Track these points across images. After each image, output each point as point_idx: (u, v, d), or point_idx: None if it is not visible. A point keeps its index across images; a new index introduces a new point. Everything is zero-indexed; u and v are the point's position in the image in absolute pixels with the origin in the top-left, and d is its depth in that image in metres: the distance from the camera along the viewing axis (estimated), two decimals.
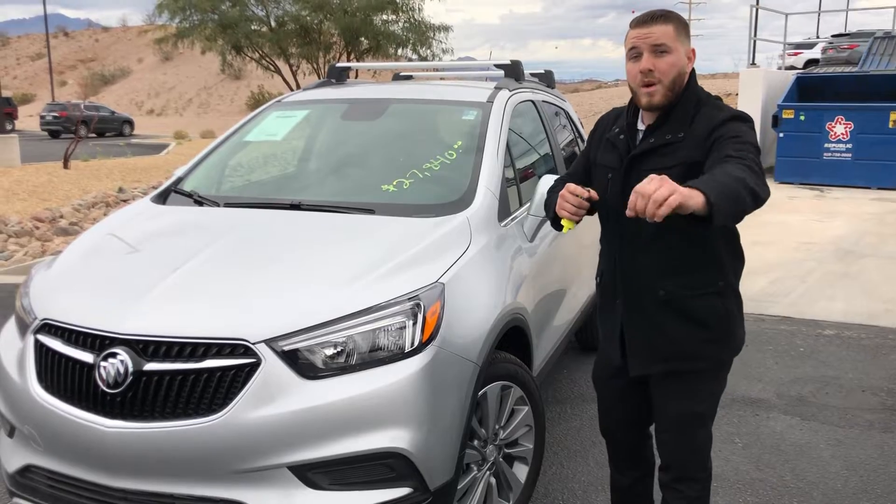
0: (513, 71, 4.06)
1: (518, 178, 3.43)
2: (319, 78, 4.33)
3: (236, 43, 24.09)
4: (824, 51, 20.37)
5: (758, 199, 1.84)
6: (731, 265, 2.21)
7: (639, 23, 2.08)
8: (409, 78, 5.02)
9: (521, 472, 2.86)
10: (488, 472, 2.71)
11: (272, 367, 2.20)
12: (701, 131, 2.06)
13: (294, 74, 25.23)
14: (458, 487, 2.49)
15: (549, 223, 3.12)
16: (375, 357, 2.29)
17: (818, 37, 22.13)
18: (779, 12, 17.16)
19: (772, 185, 12.58)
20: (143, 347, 2.24)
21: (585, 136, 4.88)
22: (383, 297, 2.36)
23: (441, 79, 5.37)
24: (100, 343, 2.28)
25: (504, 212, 3.08)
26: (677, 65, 2.07)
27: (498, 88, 3.68)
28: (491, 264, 2.82)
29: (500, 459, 2.77)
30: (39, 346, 2.42)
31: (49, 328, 2.43)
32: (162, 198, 3.38)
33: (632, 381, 2.34)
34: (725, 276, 2.19)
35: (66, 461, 2.33)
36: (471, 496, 2.62)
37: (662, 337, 2.19)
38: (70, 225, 9.17)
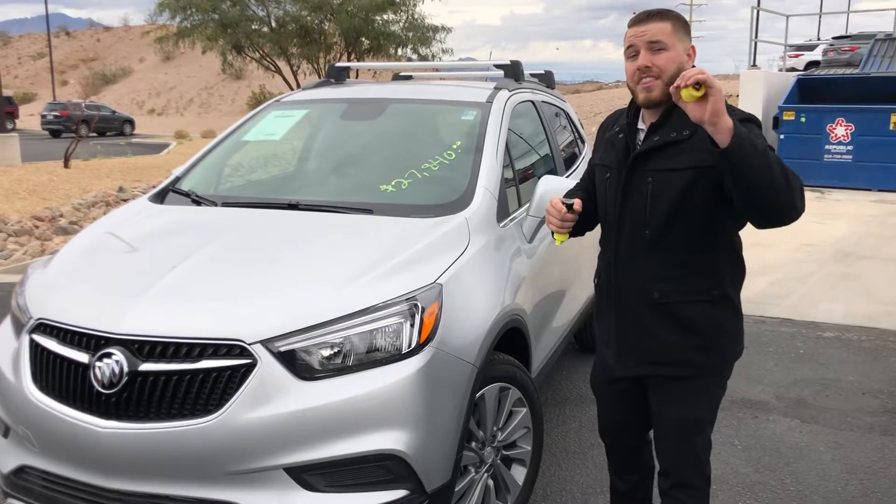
0: (512, 71, 4.05)
1: (517, 179, 3.42)
2: (320, 78, 4.31)
3: (237, 43, 24.12)
4: (825, 53, 20.35)
5: (790, 183, 1.83)
6: (729, 276, 2.17)
7: (635, 21, 2.07)
8: (408, 78, 5.01)
9: (519, 474, 2.84)
10: (486, 475, 2.69)
11: (268, 367, 2.19)
12: None
13: (295, 74, 25.24)
14: (456, 489, 2.47)
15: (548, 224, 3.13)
16: (372, 358, 2.28)
17: (819, 39, 22.14)
18: (780, 14, 17.16)
19: None
20: (139, 347, 2.22)
21: (585, 137, 4.89)
22: (381, 298, 2.35)
23: (441, 79, 5.35)
24: (95, 343, 2.27)
25: (503, 212, 3.07)
26: (676, 60, 2.03)
27: (497, 89, 3.67)
28: (489, 265, 2.81)
29: (498, 461, 2.76)
30: (34, 346, 2.41)
31: (44, 328, 2.42)
32: (160, 197, 3.37)
33: (630, 385, 2.31)
34: (721, 285, 2.14)
35: (60, 462, 2.32)
36: (468, 498, 2.61)
37: (652, 340, 2.16)
38: (70, 224, 9.16)
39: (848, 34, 22.28)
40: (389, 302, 2.34)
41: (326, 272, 2.49)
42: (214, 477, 2.19)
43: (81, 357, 2.28)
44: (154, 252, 2.77)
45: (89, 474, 2.26)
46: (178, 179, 3.48)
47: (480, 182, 3.04)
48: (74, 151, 16.10)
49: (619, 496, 2.56)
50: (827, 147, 12.57)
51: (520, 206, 3.29)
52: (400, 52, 24.91)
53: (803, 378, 4.51)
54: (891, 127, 12.09)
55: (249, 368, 2.18)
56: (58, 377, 2.33)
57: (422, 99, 3.87)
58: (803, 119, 12.67)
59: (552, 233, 2.29)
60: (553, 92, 4.62)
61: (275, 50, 24.75)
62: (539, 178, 3.17)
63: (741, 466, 3.43)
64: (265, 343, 2.20)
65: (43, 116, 34.65)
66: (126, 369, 2.20)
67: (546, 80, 4.64)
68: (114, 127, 36.26)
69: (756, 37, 16.42)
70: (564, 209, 2.19)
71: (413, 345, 2.30)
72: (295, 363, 2.22)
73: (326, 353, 2.25)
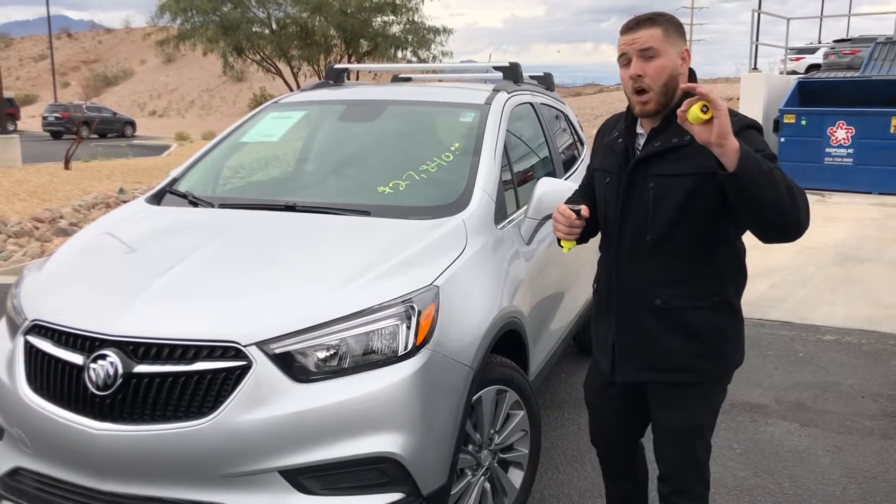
0: (511, 73, 4.04)
1: (515, 181, 3.41)
2: (320, 80, 4.31)
3: (237, 45, 24.12)
4: (826, 56, 20.38)
5: (796, 201, 1.81)
6: (732, 282, 2.15)
7: (626, 28, 2.06)
8: (407, 80, 5.00)
9: (516, 477, 2.83)
10: (483, 478, 2.68)
11: (263, 369, 2.18)
12: None
13: (295, 76, 25.24)
14: (452, 493, 2.46)
15: (546, 225, 3.12)
16: (369, 360, 2.27)
17: (820, 42, 22.15)
18: (780, 17, 17.14)
19: None
20: (134, 349, 2.21)
21: (585, 139, 4.88)
22: (377, 300, 2.34)
23: (440, 81, 5.35)
24: (90, 344, 2.26)
25: (501, 214, 3.06)
26: (667, 67, 2.02)
27: (496, 91, 3.66)
28: (487, 267, 2.80)
29: (495, 464, 2.74)
30: (29, 348, 2.40)
31: (39, 329, 2.41)
32: (157, 198, 3.36)
33: (624, 392, 2.29)
34: (724, 291, 2.12)
35: (54, 464, 2.31)
36: (465, 502, 2.60)
37: (653, 346, 2.13)
38: (70, 225, 9.15)
39: (849, 37, 22.30)
40: (386, 304, 2.33)
41: (323, 274, 2.48)
42: (209, 479, 2.18)
43: (76, 358, 2.27)
44: (150, 253, 2.76)
45: (83, 476, 2.25)
46: (175, 181, 3.47)
47: (478, 184, 3.03)
48: (75, 153, 16.12)
49: (615, 502, 2.54)
50: (827, 150, 12.56)
51: (518, 208, 3.28)
52: (400, 54, 24.90)
53: (803, 381, 4.50)
54: (891, 130, 12.08)
55: (244, 370, 2.17)
56: (52, 379, 2.32)
57: (420, 101, 3.86)
58: (804, 122, 12.66)
59: (559, 241, 2.24)
60: (552, 94, 4.61)
61: (275, 52, 24.75)
62: (538, 180, 3.16)
63: (740, 470, 3.41)
64: (260, 345, 2.19)
65: (44, 118, 34.70)
66: (121, 371, 2.19)
67: (545, 82, 4.63)
68: (115, 128, 36.30)
69: (757, 40, 16.41)
70: (573, 216, 2.15)
71: (409, 347, 2.29)
72: (290, 365, 2.21)
73: (322, 355, 2.24)
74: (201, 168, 3.58)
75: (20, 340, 2.44)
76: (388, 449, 2.21)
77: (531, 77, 4.53)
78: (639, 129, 2.17)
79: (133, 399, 2.19)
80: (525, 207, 3.17)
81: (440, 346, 2.35)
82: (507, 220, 3.11)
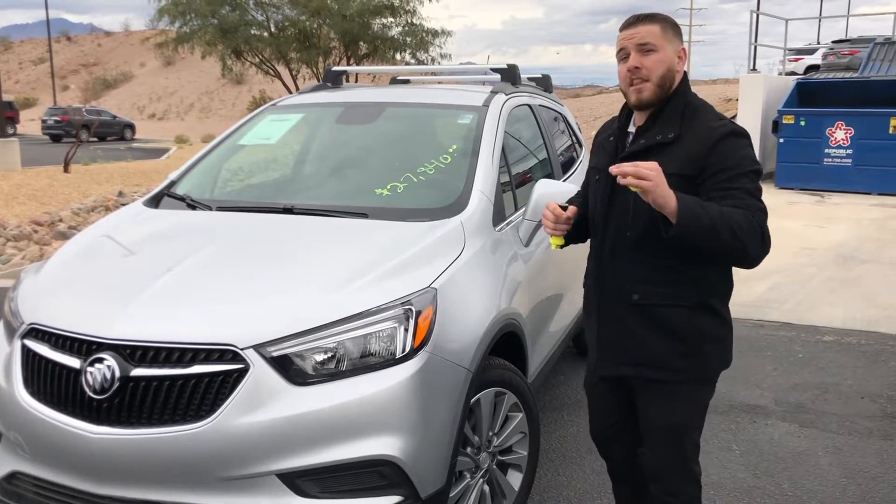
0: (509, 75, 4.03)
1: (514, 183, 3.41)
2: (319, 82, 4.31)
3: (236, 47, 24.11)
4: (825, 56, 20.41)
5: (742, 241, 1.91)
6: (716, 285, 2.18)
7: (626, 25, 2.14)
8: (406, 82, 5.00)
9: (515, 479, 2.82)
10: (481, 480, 2.67)
11: (261, 372, 2.18)
12: (697, 140, 2.04)
13: (294, 79, 25.24)
14: (451, 495, 2.46)
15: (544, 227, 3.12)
16: (366, 363, 2.26)
17: (819, 42, 22.16)
18: (779, 18, 17.16)
19: (772, 190, 12.59)
20: (131, 352, 2.21)
21: (583, 141, 4.87)
22: (375, 302, 2.33)
23: (438, 83, 5.35)
24: (87, 348, 2.26)
25: (499, 216, 3.06)
26: (665, 61, 2.08)
27: (494, 92, 3.66)
28: (485, 269, 2.79)
29: (494, 467, 2.74)
30: (26, 352, 2.40)
31: (36, 333, 2.40)
32: (155, 201, 3.36)
33: (614, 387, 2.33)
34: (704, 293, 2.14)
35: (52, 468, 2.30)
36: None
37: (632, 341, 2.18)
38: (69, 229, 9.15)
39: (847, 38, 22.32)
40: (384, 306, 2.32)
41: (320, 276, 2.47)
42: (207, 483, 2.18)
43: (73, 362, 2.26)
44: (147, 256, 2.75)
45: (81, 480, 2.24)
46: (173, 183, 3.47)
47: (476, 186, 3.02)
48: (74, 156, 16.11)
49: (624, 501, 2.57)
50: (826, 151, 12.56)
51: (516, 210, 3.28)
52: (398, 56, 24.89)
53: (802, 382, 4.49)
54: (890, 130, 12.08)
55: (242, 373, 2.17)
56: (49, 382, 2.31)
57: (418, 103, 3.86)
58: (803, 123, 12.66)
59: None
60: (551, 96, 4.61)
61: (274, 54, 24.75)
62: (536, 182, 3.16)
63: (739, 471, 3.41)
64: (258, 348, 2.19)
65: (43, 121, 34.71)
66: (118, 374, 2.18)
67: (543, 83, 4.63)
68: (114, 131, 36.30)
69: (756, 41, 16.43)
70: (561, 212, 2.23)
71: (407, 349, 2.29)
72: (288, 368, 2.21)
73: (320, 357, 2.24)
74: (199, 171, 3.57)
75: (17, 344, 2.43)
76: (386, 452, 2.21)
77: (529, 79, 4.53)
78: (630, 128, 2.23)
79: (130, 403, 2.18)
80: (523, 209, 3.17)
81: (438, 349, 2.34)
82: (506, 222, 3.10)
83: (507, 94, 3.69)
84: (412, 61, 24.99)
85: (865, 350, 5.06)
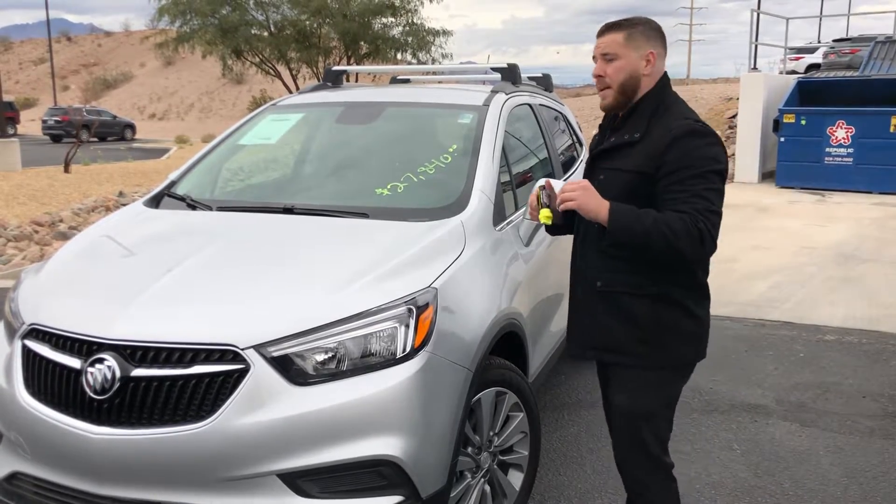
0: (510, 74, 4.03)
1: (514, 182, 3.40)
2: (319, 82, 4.31)
3: (236, 47, 24.09)
4: (825, 55, 20.38)
5: (673, 245, 2.03)
6: (680, 278, 2.23)
7: (597, 34, 2.28)
8: (406, 82, 4.99)
9: (515, 479, 2.82)
10: (482, 480, 2.67)
11: (261, 373, 2.17)
12: (655, 139, 2.16)
13: (294, 79, 25.23)
14: (452, 495, 2.46)
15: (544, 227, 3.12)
16: (367, 363, 2.26)
17: (819, 41, 22.14)
18: (780, 17, 17.15)
19: (773, 189, 12.58)
20: (131, 353, 2.21)
21: (584, 140, 4.87)
22: (375, 302, 2.33)
23: (438, 83, 5.34)
24: (87, 348, 2.26)
25: (499, 216, 3.05)
26: (625, 69, 2.21)
27: (494, 92, 3.65)
28: (485, 269, 2.79)
29: (495, 466, 2.74)
30: (27, 352, 2.40)
31: (37, 333, 2.40)
32: (155, 202, 3.35)
33: (602, 378, 2.47)
34: (665, 284, 2.22)
35: (52, 468, 2.30)
36: None
37: (595, 325, 2.30)
38: (69, 229, 9.14)
39: (848, 37, 22.29)
40: (384, 306, 2.32)
41: (321, 276, 2.47)
42: (207, 483, 2.18)
43: (73, 362, 2.26)
44: (147, 257, 2.75)
45: (81, 481, 2.24)
46: (173, 184, 3.47)
47: (476, 185, 3.02)
48: (75, 156, 16.10)
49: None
50: (827, 150, 12.56)
51: (517, 209, 3.27)
52: (399, 56, 24.88)
53: (803, 381, 4.49)
54: (891, 129, 12.08)
55: (242, 374, 2.17)
56: (50, 383, 2.31)
57: (418, 102, 3.85)
58: (804, 122, 12.65)
59: (549, 229, 2.41)
60: (551, 95, 4.60)
61: (274, 54, 24.74)
62: (536, 181, 3.15)
63: (740, 471, 3.40)
64: (258, 348, 2.19)
65: (44, 121, 34.71)
66: (118, 375, 2.18)
67: (544, 83, 4.63)
68: (115, 132, 36.29)
69: (756, 40, 16.42)
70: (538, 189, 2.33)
71: (408, 349, 2.29)
72: (288, 368, 2.21)
73: (320, 357, 2.24)
74: (199, 171, 3.57)
75: (18, 344, 2.43)
76: (386, 452, 2.21)
77: (529, 78, 4.52)
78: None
79: (131, 403, 2.18)
80: (524, 209, 3.16)
81: (439, 349, 2.34)
82: (506, 222, 3.10)
83: (507, 94, 3.68)
84: (413, 61, 24.97)
85: (866, 349, 5.06)
